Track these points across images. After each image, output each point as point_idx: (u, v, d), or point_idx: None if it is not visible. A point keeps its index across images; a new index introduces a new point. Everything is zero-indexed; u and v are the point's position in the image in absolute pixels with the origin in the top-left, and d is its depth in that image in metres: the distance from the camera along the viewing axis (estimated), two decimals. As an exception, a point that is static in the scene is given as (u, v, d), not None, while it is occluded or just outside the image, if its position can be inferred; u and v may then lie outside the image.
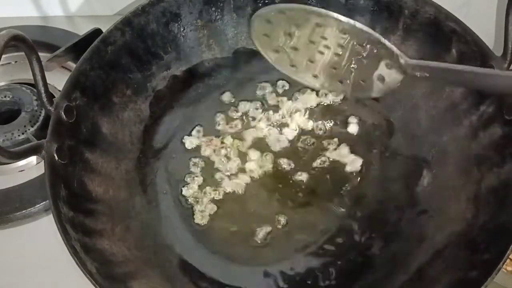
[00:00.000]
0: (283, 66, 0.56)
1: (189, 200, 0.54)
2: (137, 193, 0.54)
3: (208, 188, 0.55)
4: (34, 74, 0.47)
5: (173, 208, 0.54)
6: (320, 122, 0.58)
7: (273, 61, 0.56)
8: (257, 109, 0.59)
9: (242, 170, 0.56)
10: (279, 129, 0.58)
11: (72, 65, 0.62)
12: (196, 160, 0.57)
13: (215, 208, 0.54)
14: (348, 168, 0.55)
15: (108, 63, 0.54)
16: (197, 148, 0.57)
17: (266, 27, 0.53)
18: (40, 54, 0.47)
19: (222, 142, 0.57)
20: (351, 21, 0.50)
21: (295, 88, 0.60)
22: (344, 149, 0.56)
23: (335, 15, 0.50)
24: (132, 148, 0.56)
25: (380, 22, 0.58)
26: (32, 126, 0.60)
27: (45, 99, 0.48)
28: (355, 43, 0.50)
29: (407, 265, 0.48)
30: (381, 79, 0.50)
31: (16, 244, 0.54)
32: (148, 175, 0.55)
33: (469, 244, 0.46)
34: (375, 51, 0.49)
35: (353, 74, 0.52)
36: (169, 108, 0.60)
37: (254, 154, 0.57)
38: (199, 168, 0.56)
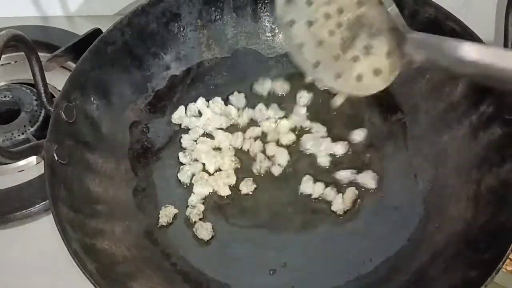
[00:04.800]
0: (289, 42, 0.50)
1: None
2: (137, 193, 0.54)
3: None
4: (34, 74, 0.47)
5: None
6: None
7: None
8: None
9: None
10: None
11: (72, 65, 0.62)
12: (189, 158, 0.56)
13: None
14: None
15: (108, 63, 0.54)
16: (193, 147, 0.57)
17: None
18: (40, 54, 0.47)
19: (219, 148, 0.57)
20: None
21: (293, 92, 0.59)
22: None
23: None
24: (132, 148, 0.56)
25: (380, 22, 0.58)
26: (32, 126, 0.60)
27: (45, 99, 0.48)
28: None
29: (407, 265, 0.48)
30: (379, 71, 0.46)
31: (16, 244, 0.54)
32: (148, 175, 0.55)
33: (469, 244, 0.46)
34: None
35: (353, 66, 0.47)
36: (169, 108, 0.60)
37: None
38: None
